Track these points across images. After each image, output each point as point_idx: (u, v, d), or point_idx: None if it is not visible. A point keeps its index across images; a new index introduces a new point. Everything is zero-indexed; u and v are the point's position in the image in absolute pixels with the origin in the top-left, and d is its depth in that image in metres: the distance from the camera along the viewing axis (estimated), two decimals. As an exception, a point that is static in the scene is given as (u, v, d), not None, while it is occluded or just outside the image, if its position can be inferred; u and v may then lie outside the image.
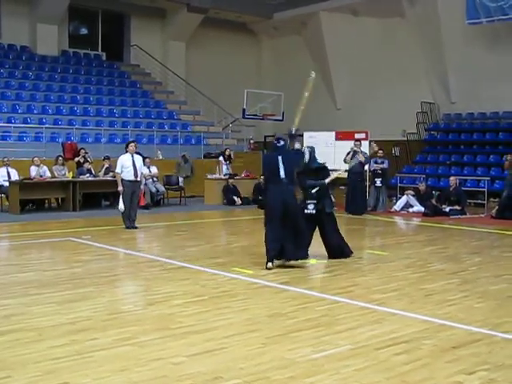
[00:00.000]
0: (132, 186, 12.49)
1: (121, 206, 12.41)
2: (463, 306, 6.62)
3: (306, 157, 9.44)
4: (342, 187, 17.26)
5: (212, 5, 26.26)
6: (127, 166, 12.46)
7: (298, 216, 8.74)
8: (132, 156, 12.57)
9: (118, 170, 12.59)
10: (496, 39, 20.26)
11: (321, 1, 25.57)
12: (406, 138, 23.66)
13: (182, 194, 18.37)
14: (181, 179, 18.99)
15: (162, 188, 17.66)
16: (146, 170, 17.10)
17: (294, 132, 9.33)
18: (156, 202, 17.44)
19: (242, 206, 17.91)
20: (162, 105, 24.94)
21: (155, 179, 17.53)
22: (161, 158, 20.14)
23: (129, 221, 12.58)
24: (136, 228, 12.61)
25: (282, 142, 8.98)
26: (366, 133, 17.12)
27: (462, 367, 4.75)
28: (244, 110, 23.10)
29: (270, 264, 8.51)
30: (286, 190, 8.68)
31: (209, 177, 19.18)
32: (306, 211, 9.16)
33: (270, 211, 8.76)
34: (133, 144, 12.81)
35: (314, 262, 9.10)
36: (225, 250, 10.69)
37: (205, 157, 21.91)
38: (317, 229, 9.38)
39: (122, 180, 12.46)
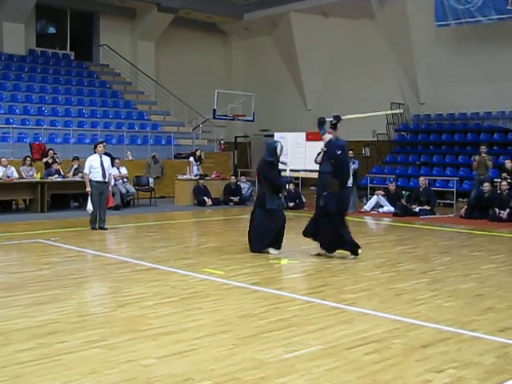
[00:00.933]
0: (100, 187, 12.40)
1: (89, 206, 12.32)
2: (433, 305, 6.68)
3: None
4: (313, 188, 17.31)
5: (182, 5, 26.19)
6: (95, 166, 12.37)
7: None
8: (100, 157, 12.47)
9: (86, 170, 12.48)
10: (464, 41, 20.53)
11: (291, 2, 25.67)
12: (376, 139, 23.85)
13: (153, 195, 18.26)
14: (151, 180, 18.87)
15: (132, 189, 17.53)
16: (115, 171, 16.99)
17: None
18: (126, 202, 17.30)
19: (212, 207, 17.86)
20: (132, 105, 24.76)
21: (125, 180, 17.40)
22: (131, 158, 20.00)
23: (96, 222, 12.49)
24: (105, 229, 12.49)
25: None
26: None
27: (432, 366, 4.78)
28: (214, 111, 23.04)
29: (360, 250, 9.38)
30: None
31: (179, 177, 19.10)
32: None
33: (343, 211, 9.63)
34: (101, 145, 12.71)
35: (285, 262, 9.10)
36: (195, 250, 10.63)
37: (175, 157, 21.81)
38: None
39: (91, 181, 12.38)
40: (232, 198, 18.43)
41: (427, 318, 6.12)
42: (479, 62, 19.99)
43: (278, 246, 9.84)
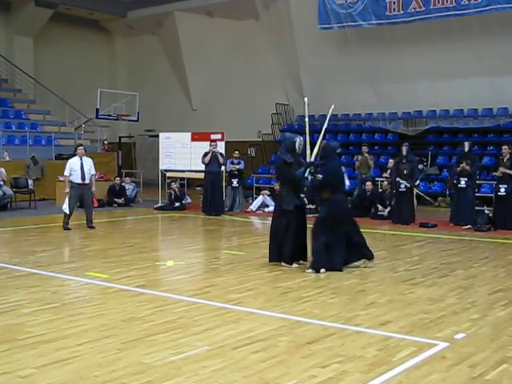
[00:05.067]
0: (80, 189, 12.68)
1: (65, 206, 12.62)
2: (317, 302, 6.80)
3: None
4: (199, 188, 17.27)
5: (62, 0, 25.28)
6: (76, 169, 12.69)
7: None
8: (81, 159, 12.75)
9: (66, 172, 12.77)
10: (346, 44, 21.18)
11: (175, 1, 25.49)
12: (261, 139, 24.14)
13: (32, 197, 17.52)
14: (30, 182, 18.09)
15: (9, 191, 16.70)
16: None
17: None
18: (3, 206, 16.47)
19: (96, 209, 17.31)
20: (9, 103, 23.65)
21: (1, 182, 16.56)
22: (8, 159, 19.09)
23: (68, 223, 12.73)
24: (93, 227, 12.79)
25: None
26: (222, 133, 17.21)
27: (317, 361, 4.86)
28: (97, 110, 22.48)
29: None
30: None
31: (61, 178, 18.40)
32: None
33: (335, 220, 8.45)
34: (81, 147, 13.06)
35: (170, 263, 8.98)
36: (78, 254, 10.27)
37: (56, 158, 21.04)
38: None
39: (71, 182, 12.68)
40: (116, 199, 18.00)
41: (312, 315, 6.22)
42: (360, 64, 20.68)
43: (302, 259, 8.93)
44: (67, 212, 12.67)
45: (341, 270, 8.33)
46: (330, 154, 8.87)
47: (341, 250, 8.44)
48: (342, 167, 9.50)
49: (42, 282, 7.75)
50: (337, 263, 8.38)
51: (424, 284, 7.79)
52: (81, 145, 13.60)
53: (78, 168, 12.70)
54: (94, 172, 13.15)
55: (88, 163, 12.89)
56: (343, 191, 9.04)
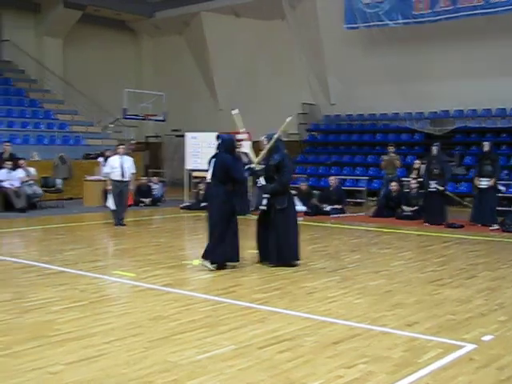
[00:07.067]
0: (119, 186, 13.13)
1: (109, 203, 13.34)
2: (343, 303, 6.79)
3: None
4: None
5: (90, 1, 25.55)
6: (115, 166, 13.10)
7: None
8: (121, 157, 13.18)
9: (107, 170, 13.44)
10: (372, 43, 21.08)
11: (202, 1, 25.58)
12: (287, 139, 24.09)
13: (60, 197, 17.73)
14: (58, 181, 18.32)
15: (38, 190, 16.93)
16: (21, 173, 16.39)
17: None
18: (32, 204, 16.69)
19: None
20: (38, 104, 23.93)
21: (31, 181, 16.78)
22: (37, 159, 19.33)
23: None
24: (124, 225, 13.25)
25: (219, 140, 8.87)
26: (248, 133, 17.20)
27: (343, 361, 4.85)
28: (125, 110, 22.66)
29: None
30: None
31: (88, 178, 18.62)
32: (260, 207, 9.01)
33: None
34: (122, 146, 13.61)
35: (197, 263, 9.02)
36: (106, 253, 10.38)
37: (84, 158, 21.26)
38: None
39: (111, 180, 13.17)
40: (143, 199, 18.14)
41: (338, 315, 6.21)
42: (387, 64, 20.58)
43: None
44: (113, 208, 13.24)
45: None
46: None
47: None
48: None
49: (71, 280, 7.85)
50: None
51: (451, 285, 7.73)
52: (121, 144, 14.15)
53: (118, 166, 13.14)
54: (133, 170, 13.53)
55: (128, 161, 13.34)
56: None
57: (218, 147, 8.84)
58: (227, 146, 8.84)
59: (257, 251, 9.13)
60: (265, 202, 8.90)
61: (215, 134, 17.33)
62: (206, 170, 9.03)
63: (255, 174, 8.96)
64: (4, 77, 24.39)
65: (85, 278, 7.95)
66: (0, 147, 17.36)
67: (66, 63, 26.35)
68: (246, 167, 9.11)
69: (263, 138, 9.46)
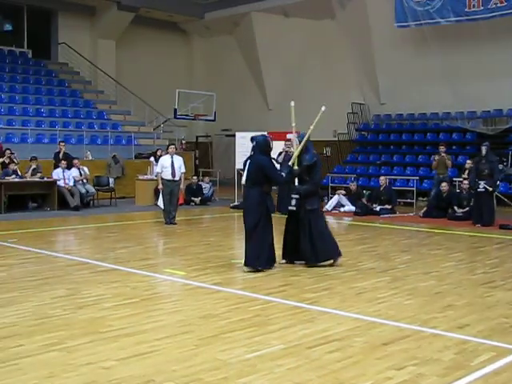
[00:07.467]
0: (170, 185, 13.29)
1: (160, 203, 13.64)
2: (393, 303, 6.73)
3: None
4: (275, 187, 17.27)
5: (143, 3, 25.99)
6: (166, 166, 13.32)
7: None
8: (172, 157, 13.38)
9: (158, 169, 13.66)
10: (423, 42, 20.78)
11: (252, 1, 25.67)
12: (336, 139, 24.01)
13: (113, 195, 18.06)
14: (111, 180, 18.65)
15: (91, 189, 17.29)
16: (75, 172, 16.76)
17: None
18: (85, 203, 17.06)
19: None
20: (92, 104, 24.43)
21: (85, 180, 17.15)
22: (90, 158, 19.73)
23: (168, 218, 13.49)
24: (175, 224, 13.45)
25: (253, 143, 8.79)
26: (298, 133, 17.21)
27: (392, 363, 4.82)
28: (175, 110, 22.92)
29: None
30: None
31: (140, 177, 18.91)
32: (288, 207, 8.92)
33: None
34: (173, 146, 13.87)
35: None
36: (156, 251, 10.54)
37: (136, 157, 21.59)
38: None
39: (162, 179, 13.32)
40: (193, 198, 18.32)
41: (388, 316, 6.17)
42: (438, 63, 20.25)
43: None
44: (163, 207, 13.44)
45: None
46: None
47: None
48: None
49: (122, 277, 8.00)
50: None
51: (504, 287, 7.58)
52: (172, 144, 14.34)
53: (169, 165, 13.29)
54: (184, 170, 13.67)
55: (178, 161, 13.48)
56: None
57: (253, 149, 8.75)
58: (262, 148, 8.73)
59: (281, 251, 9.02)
60: (294, 202, 8.81)
61: (265, 133, 17.46)
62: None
63: (294, 175, 8.83)
64: (60, 78, 24.99)
65: (136, 276, 8.09)
66: (56, 147, 17.79)
67: (118, 64, 26.84)
68: (286, 167, 8.98)
69: (293, 136, 9.40)
